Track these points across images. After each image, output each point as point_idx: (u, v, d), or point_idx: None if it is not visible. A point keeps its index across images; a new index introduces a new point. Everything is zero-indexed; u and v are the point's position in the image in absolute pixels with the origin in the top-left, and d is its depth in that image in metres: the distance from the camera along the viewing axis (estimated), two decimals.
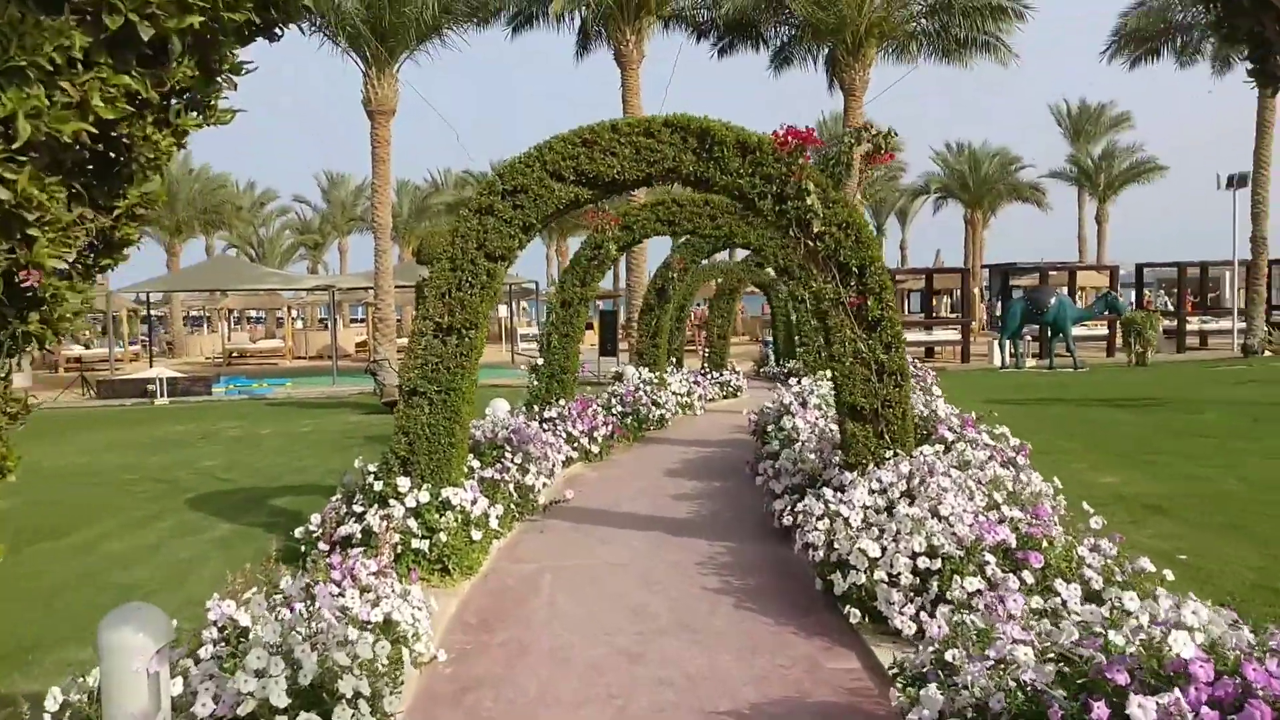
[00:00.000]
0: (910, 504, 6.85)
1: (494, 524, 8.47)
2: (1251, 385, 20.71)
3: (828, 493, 7.49)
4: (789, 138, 7.69)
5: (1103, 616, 4.14)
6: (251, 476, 13.06)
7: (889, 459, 7.66)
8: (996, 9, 28.54)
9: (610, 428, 13.82)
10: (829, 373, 13.56)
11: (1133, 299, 37.51)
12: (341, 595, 5.64)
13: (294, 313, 59.74)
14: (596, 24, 29.72)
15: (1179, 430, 13.41)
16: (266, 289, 40.60)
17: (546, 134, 8.36)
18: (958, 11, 28.26)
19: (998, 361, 32.68)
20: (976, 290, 46.25)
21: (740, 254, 34.77)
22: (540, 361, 13.70)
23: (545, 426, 12.77)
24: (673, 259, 18.24)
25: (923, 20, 29.28)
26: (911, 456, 7.70)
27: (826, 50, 30.41)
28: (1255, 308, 31.18)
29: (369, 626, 5.41)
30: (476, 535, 8.01)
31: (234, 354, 44.38)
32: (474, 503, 8.25)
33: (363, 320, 52.83)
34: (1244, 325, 34.42)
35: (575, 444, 12.88)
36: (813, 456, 9.01)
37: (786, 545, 8.39)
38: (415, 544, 7.62)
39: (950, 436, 8.21)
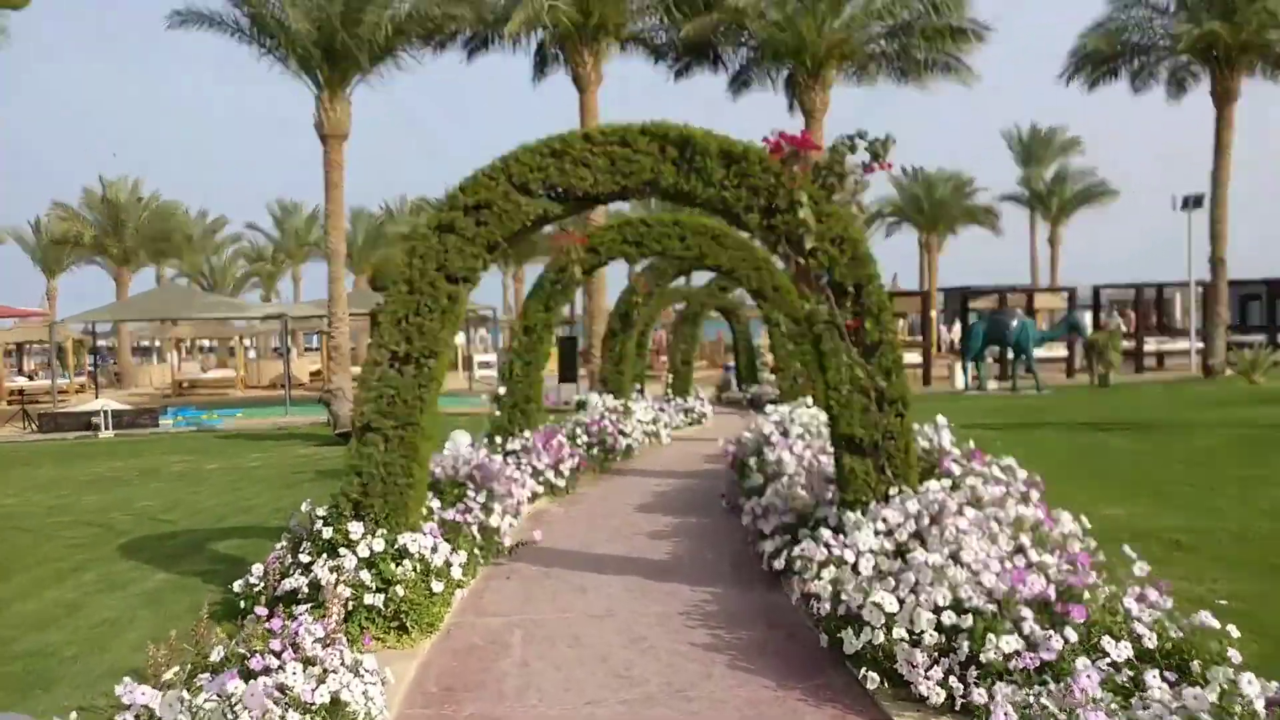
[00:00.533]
0: (922, 547, 6.16)
1: (456, 573, 7.67)
2: (1229, 407, 20.34)
3: (826, 534, 6.80)
4: (782, 143, 7.02)
5: (1210, 702, 3.43)
6: (192, 518, 12.15)
7: (894, 496, 6.98)
8: (957, 31, 28.24)
9: (577, 460, 13.06)
10: (810, 400, 12.95)
11: (1088, 320, 37.45)
12: (281, 669, 4.84)
13: (247, 342, 58.41)
14: (553, 45, 29.09)
15: (1177, 456, 12.87)
16: (216, 318, 39.42)
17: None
18: (917, 33, 27.93)
19: (959, 384, 32.32)
20: (934, 314, 46.03)
21: (698, 279, 34.19)
22: (502, 390, 12.93)
23: (509, 460, 12.00)
24: (638, 283, 17.55)
25: (882, 42, 28.92)
26: (918, 493, 7.03)
27: (786, 72, 30.00)
28: (1215, 328, 31.02)
29: (312, 710, 4.61)
30: (437, 587, 7.19)
31: (184, 384, 43.03)
32: (434, 550, 7.44)
33: (317, 349, 51.63)
34: (1200, 345, 34.39)
35: (540, 478, 12.10)
36: (804, 493, 8.31)
37: (778, 591, 7.68)
38: (369, 599, 6.80)
39: (957, 470, 7.53)
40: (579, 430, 14.60)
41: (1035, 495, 7.40)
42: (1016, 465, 8.00)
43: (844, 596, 5.92)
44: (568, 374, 28.86)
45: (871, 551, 6.23)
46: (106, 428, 25.60)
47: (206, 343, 65.97)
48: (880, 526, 6.62)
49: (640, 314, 17.57)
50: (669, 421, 19.05)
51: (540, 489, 11.92)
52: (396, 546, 7.24)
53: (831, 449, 7.42)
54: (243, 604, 6.94)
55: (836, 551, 6.46)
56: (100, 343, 59.96)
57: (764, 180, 7.28)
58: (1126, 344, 34.09)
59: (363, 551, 7.04)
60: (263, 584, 7.19)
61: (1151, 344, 35.95)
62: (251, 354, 57.25)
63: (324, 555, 7.18)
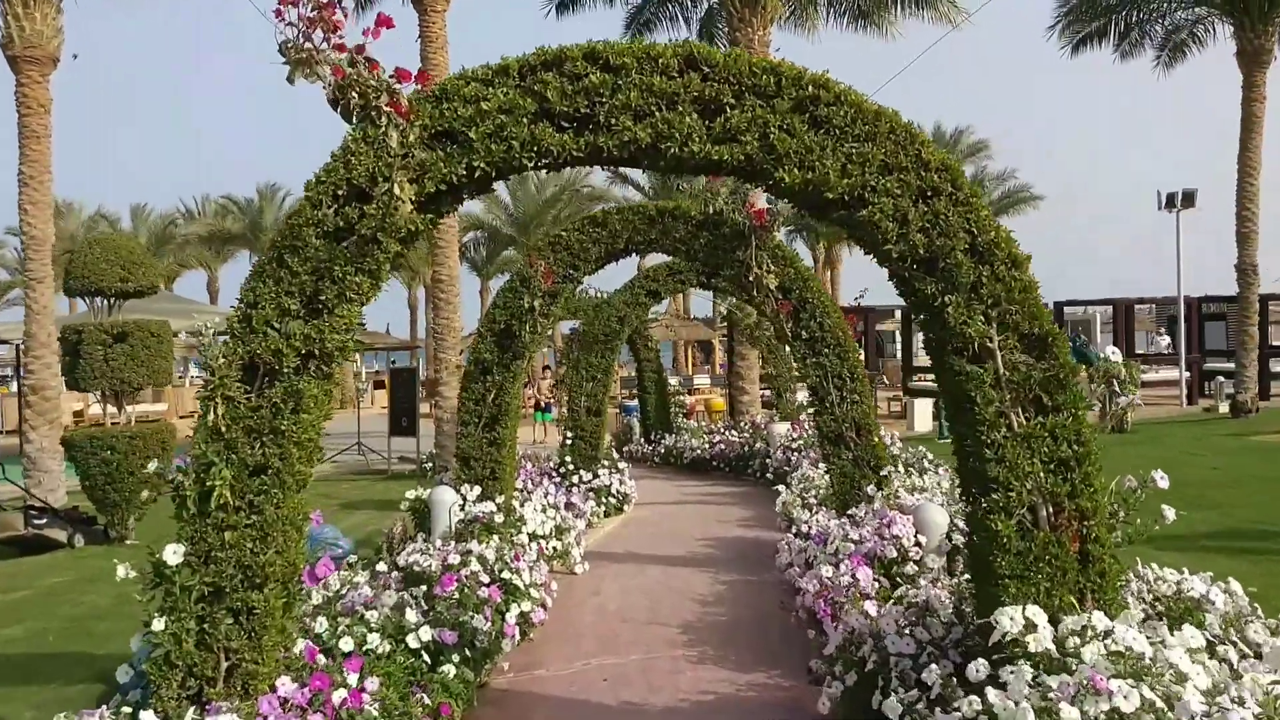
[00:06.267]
0: None
1: None
2: None
3: None
4: None
5: None
6: None
7: None
8: None
9: None
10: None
11: None
12: None
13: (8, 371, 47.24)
14: None
15: None
16: None
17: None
18: None
19: (921, 426, 25.12)
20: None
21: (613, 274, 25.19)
22: (158, 627, 4.31)
23: None
24: (532, 271, 9.10)
25: None
26: None
27: (704, 7, 22.15)
28: (1247, 353, 24.31)
29: None
30: None
31: None
32: None
33: None
34: (1188, 374, 28.04)
35: None
36: None
37: None
38: None
39: None
40: (410, 608, 6.05)
41: None
42: None
43: None
44: (404, 422, 20.14)
45: None
46: None
47: None
48: None
49: (540, 329, 9.13)
50: (577, 524, 10.64)
51: None
52: None
53: None
54: None
55: None
56: None
57: None
58: None
59: None
60: None
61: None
62: (12, 386, 46.07)
63: None
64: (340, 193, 4.44)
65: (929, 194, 4.44)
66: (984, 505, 4.45)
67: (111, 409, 14.06)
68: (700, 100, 4.44)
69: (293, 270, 4.45)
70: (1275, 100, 24.22)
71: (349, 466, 20.44)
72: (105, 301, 13.79)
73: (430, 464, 17.31)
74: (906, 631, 5.07)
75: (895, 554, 6.58)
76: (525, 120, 4.46)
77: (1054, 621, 4.08)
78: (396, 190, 4.16)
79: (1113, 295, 30.42)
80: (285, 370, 4.43)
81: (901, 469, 10.19)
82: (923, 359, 38.21)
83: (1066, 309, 32.25)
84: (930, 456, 12.49)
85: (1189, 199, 28.21)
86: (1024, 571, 4.35)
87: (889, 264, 4.50)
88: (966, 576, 5.37)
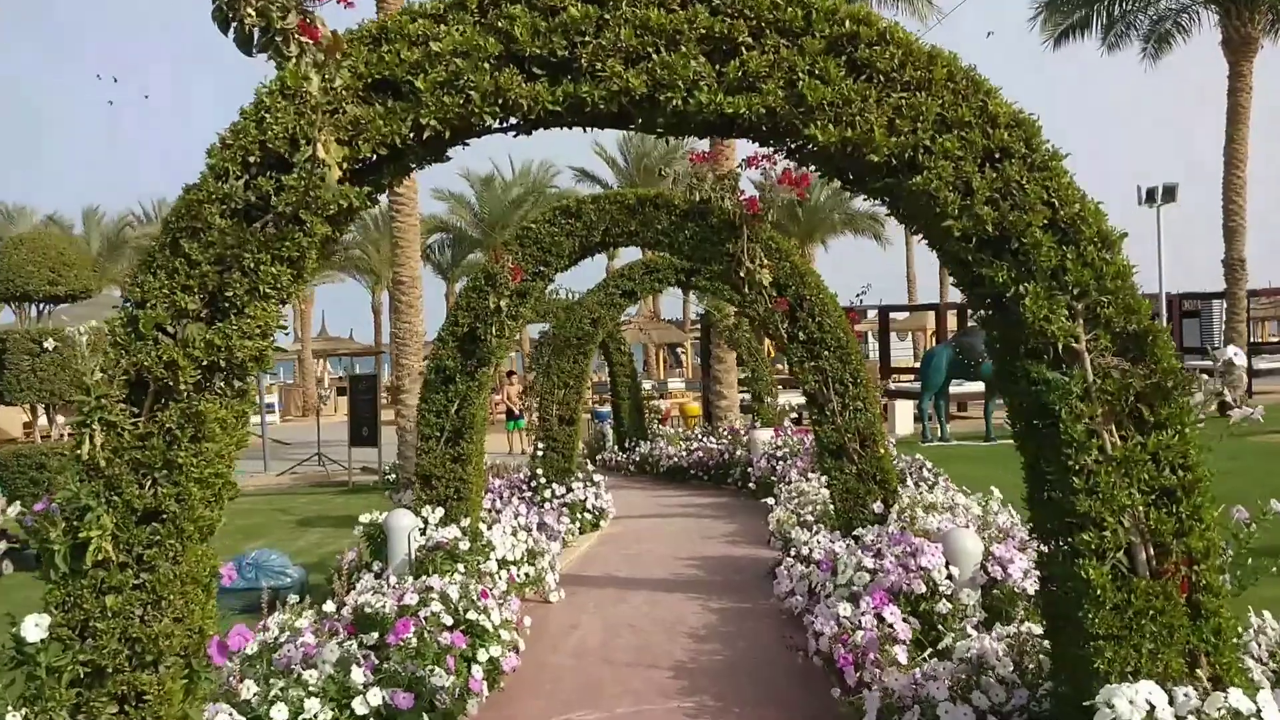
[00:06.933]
0: None
1: None
2: None
3: None
4: None
5: None
6: None
7: None
8: None
9: None
10: None
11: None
12: None
13: None
14: None
15: None
16: None
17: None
18: None
19: (902, 429, 24.26)
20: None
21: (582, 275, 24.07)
22: None
23: None
24: (498, 268, 8.13)
25: None
26: None
27: None
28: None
29: None
30: None
31: None
32: None
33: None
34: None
35: None
36: None
37: None
38: None
39: None
40: (357, 665, 5.07)
41: None
42: None
43: None
44: (364, 432, 19.11)
45: None
46: None
47: None
48: None
49: (507, 333, 8.18)
50: (551, 547, 9.67)
51: None
52: None
53: None
54: None
55: None
56: None
57: None
58: None
59: None
60: None
61: None
62: None
63: None
64: (252, 159, 3.47)
65: (997, 156, 3.53)
66: (1068, 546, 3.55)
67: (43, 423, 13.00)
68: (709, 39, 3.51)
69: (191, 259, 3.47)
70: (1261, 91, 23.59)
71: (309, 478, 19.39)
72: (34, 306, 12.76)
73: (394, 475, 16.33)
74: (958, 694, 4.17)
75: (924, 588, 5.68)
76: (487, 65, 3.51)
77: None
78: (320, 152, 3.20)
79: None
80: (182, 387, 3.46)
81: (911, 483, 9.31)
82: (898, 360, 37.43)
83: None
84: (929, 465, 11.64)
85: (1170, 193, 27.54)
86: (1121, 630, 3.44)
87: (948, 244, 3.59)
88: (1027, 626, 4.47)
